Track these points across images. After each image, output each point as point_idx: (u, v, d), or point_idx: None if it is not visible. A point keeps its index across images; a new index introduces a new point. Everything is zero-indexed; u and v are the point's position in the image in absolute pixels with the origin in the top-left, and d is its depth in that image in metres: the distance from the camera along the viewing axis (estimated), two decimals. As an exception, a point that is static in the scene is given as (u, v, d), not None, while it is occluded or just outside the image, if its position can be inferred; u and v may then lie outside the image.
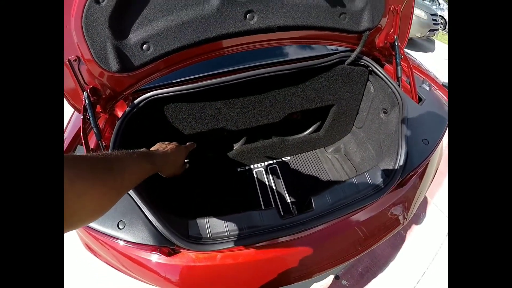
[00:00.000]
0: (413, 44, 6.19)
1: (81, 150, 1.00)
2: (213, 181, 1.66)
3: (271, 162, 1.80)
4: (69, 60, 0.92)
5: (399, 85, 1.24)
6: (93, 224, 0.83)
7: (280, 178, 1.70)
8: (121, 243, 0.84)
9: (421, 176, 1.12)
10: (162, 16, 0.93)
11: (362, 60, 1.35)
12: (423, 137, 1.03)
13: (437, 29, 5.83)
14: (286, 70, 1.24)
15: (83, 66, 0.96)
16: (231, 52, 1.11)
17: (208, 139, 1.46)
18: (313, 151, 1.86)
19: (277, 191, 1.61)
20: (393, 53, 1.24)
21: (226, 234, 0.88)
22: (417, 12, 5.34)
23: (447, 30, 10.36)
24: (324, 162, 1.78)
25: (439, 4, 11.96)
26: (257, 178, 1.72)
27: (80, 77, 0.98)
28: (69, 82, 0.99)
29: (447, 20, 10.28)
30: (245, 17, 0.98)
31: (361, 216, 0.97)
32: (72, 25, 0.87)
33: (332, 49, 1.51)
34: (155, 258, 0.89)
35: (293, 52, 1.53)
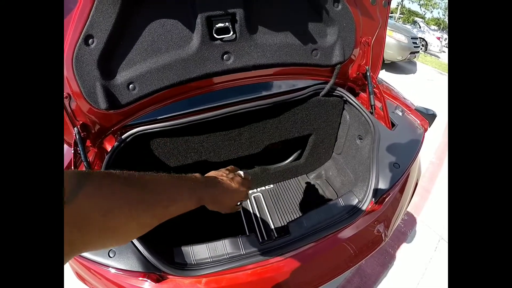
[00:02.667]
0: (395, 67, 6.53)
1: None
2: (198, 210, 1.72)
3: (254, 190, 1.85)
4: None
5: (372, 113, 1.34)
6: (84, 254, 0.88)
7: (263, 206, 1.75)
8: (112, 270, 0.88)
9: (397, 197, 1.19)
10: (146, 58, 1.02)
11: (336, 91, 1.45)
12: (394, 162, 1.11)
13: (418, 52, 6.20)
14: (263, 105, 1.33)
15: (74, 103, 1.03)
16: (211, 90, 1.20)
17: (193, 172, 1.51)
18: (295, 178, 1.92)
19: (260, 218, 1.66)
20: (366, 82, 1.35)
21: (209, 260, 0.94)
22: (397, 36, 5.71)
23: (428, 51, 11.04)
24: (306, 189, 1.85)
25: (420, 27, 12.80)
26: (241, 207, 1.76)
27: (71, 113, 1.05)
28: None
29: (427, 42, 10.97)
30: (222, 58, 1.08)
31: (341, 236, 1.02)
32: (64, 63, 0.94)
33: (308, 83, 1.63)
34: (146, 285, 0.93)
35: (270, 87, 1.64)
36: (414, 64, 7.18)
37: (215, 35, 1.03)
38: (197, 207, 0.55)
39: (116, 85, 1.03)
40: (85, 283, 1.10)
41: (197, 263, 0.94)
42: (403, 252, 2.04)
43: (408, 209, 2.41)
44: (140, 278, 0.91)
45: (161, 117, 1.32)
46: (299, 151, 1.84)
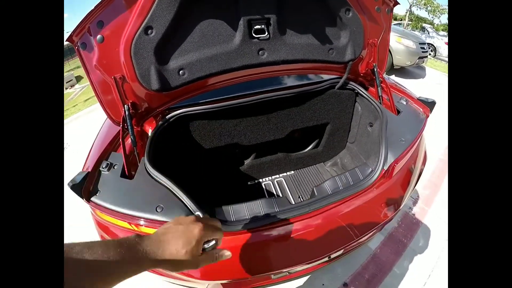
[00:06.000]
0: (405, 72, 6.71)
1: (115, 156, 1.21)
2: (228, 189, 1.97)
3: (277, 176, 2.11)
4: (114, 77, 1.15)
5: (380, 102, 1.60)
6: (130, 211, 0.98)
7: (286, 189, 2.00)
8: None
9: (405, 168, 1.41)
10: (196, 49, 1.24)
11: (349, 85, 1.73)
12: (400, 138, 1.34)
13: (426, 57, 6.40)
14: (288, 94, 1.63)
15: (126, 84, 1.20)
16: (246, 80, 1.47)
17: (224, 154, 1.78)
18: (314, 165, 2.19)
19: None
20: (374, 77, 1.61)
21: (246, 217, 1.12)
22: (406, 42, 5.93)
23: (438, 56, 11.23)
24: (324, 174, 2.10)
25: (428, 33, 13.04)
26: (266, 189, 2.02)
27: (122, 93, 1.21)
28: (111, 96, 1.21)
29: (436, 46, 11.17)
30: (258, 53, 1.34)
31: (360, 198, 1.23)
32: (121, 48, 1.10)
33: (324, 77, 1.91)
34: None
35: (294, 80, 1.94)
36: (423, 69, 7.36)
37: (253, 34, 1.28)
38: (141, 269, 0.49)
39: (168, 69, 1.23)
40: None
41: (236, 220, 1.11)
42: (416, 241, 2.18)
43: (419, 202, 2.56)
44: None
45: (201, 101, 1.54)
46: (316, 141, 2.11)
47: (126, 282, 0.47)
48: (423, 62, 6.35)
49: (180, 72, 1.25)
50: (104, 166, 1.13)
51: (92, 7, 1.01)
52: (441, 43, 11.44)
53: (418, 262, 2.03)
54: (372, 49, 1.58)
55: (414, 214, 2.43)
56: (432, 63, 8.73)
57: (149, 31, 1.11)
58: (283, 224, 1.12)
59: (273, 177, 2.11)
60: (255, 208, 1.16)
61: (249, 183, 2.07)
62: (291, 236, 1.12)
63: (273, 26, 1.30)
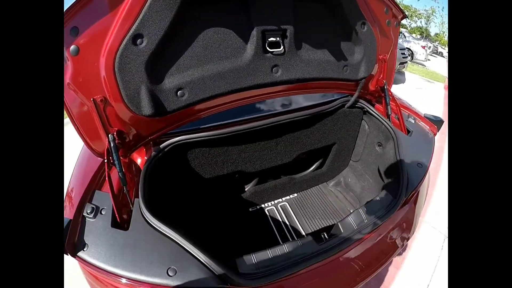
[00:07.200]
0: (386, 77, 6.96)
1: (100, 196, 0.99)
2: (229, 221, 1.77)
3: (280, 200, 1.97)
4: (94, 100, 0.92)
5: (390, 122, 1.55)
6: (134, 275, 0.80)
7: (291, 213, 1.86)
8: None
9: (416, 196, 1.38)
10: (198, 65, 1.03)
11: (358, 103, 1.66)
12: (417, 162, 1.29)
13: (406, 62, 6.66)
14: (300, 116, 1.47)
15: (109, 107, 0.97)
16: (255, 100, 1.31)
17: (224, 182, 1.58)
18: (317, 186, 2.07)
19: (291, 226, 1.76)
20: (383, 95, 1.56)
21: (273, 266, 0.95)
22: (386, 47, 6.12)
23: (414, 60, 11.74)
24: (328, 195, 2.00)
25: (405, 37, 13.55)
26: (270, 216, 1.85)
27: (105, 119, 0.98)
28: (90, 123, 0.98)
29: (413, 51, 11.68)
30: (272, 70, 1.18)
31: (385, 228, 1.18)
32: (102, 63, 0.87)
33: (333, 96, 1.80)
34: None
35: (303, 100, 1.79)
36: (403, 74, 7.65)
37: (267, 48, 1.11)
38: None
39: (163, 90, 1.01)
40: None
41: (262, 270, 0.93)
42: (413, 252, 2.22)
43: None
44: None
45: (202, 126, 1.35)
46: (321, 160, 2.00)
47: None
48: (404, 67, 6.60)
49: (179, 93, 1.04)
50: (89, 212, 0.91)
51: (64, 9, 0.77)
52: (418, 47, 11.93)
53: (417, 273, 2.06)
54: (382, 65, 1.52)
55: (408, 225, 2.48)
56: (410, 67, 9.10)
57: (138, 41, 0.89)
58: (314, 268, 1.00)
59: (276, 201, 1.97)
60: (280, 251, 1.01)
61: (250, 209, 1.89)
62: (326, 277, 1.04)
63: (289, 39, 1.14)
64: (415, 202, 1.34)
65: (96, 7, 0.82)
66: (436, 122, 1.58)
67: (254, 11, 1.04)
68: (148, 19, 0.87)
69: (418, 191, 1.33)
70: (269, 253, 1.00)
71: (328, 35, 1.29)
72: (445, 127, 1.76)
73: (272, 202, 1.94)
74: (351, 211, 1.18)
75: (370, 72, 1.45)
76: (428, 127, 1.58)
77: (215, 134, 1.29)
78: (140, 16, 0.86)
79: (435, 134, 1.54)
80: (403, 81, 7.08)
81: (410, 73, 7.95)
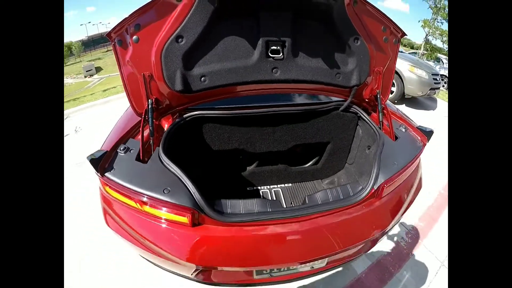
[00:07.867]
0: (416, 103, 6.74)
1: (132, 142, 1.38)
2: (228, 189, 2.13)
3: (275, 186, 2.24)
4: (143, 74, 1.33)
5: (380, 127, 1.70)
6: (138, 189, 1.12)
7: (282, 200, 2.13)
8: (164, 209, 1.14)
9: (396, 191, 1.49)
10: (218, 61, 1.41)
11: (352, 108, 1.87)
12: (393, 162, 1.43)
13: (438, 88, 6.44)
14: (295, 111, 1.80)
15: (153, 81, 1.37)
16: (258, 93, 1.63)
17: (229, 158, 1.95)
18: (312, 181, 2.30)
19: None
20: (377, 103, 1.70)
21: (241, 212, 1.26)
22: (419, 72, 5.99)
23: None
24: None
25: (443, 63, 13.02)
26: (263, 196, 2.16)
27: (148, 89, 1.38)
28: (137, 90, 1.38)
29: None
30: (272, 70, 1.52)
31: (348, 212, 1.32)
32: (154, 51, 1.29)
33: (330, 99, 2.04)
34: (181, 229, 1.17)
35: (301, 98, 2.10)
36: (434, 100, 7.40)
37: (269, 54, 1.46)
38: None
39: (192, 75, 1.40)
40: (119, 231, 1.29)
41: (231, 213, 1.24)
42: (404, 272, 2.18)
43: (412, 233, 2.57)
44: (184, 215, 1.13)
45: (215, 107, 1.73)
46: (317, 158, 2.25)
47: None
48: (435, 93, 6.38)
49: (202, 78, 1.43)
50: (121, 149, 1.29)
51: (133, 11, 1.21)
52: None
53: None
54: (377, 76, 1.68)
55: (405, 245, 2.43)
56: (443, 94, 8.77)
57: (179, 40, 1.28)
58: (273, 224, 1.23)
59: (271, 186, 2.24)
60: (250, 205, 1.30)
61: (248, 188, 2.21)
62: (279, 236, 1.23)
63: (287, 48, 1.47)
64: (390, 199, 1.43)
65: (154, 13, 1.24)
66: (426, 133, 1.63)
67: (262, 26, 1.39)
68: (187, 26, 1.26)
69: (391, 187, 1.44)
70: (241, 203, 1.30)
71: (323, 46, 1.56)
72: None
73: (268, 187, 2.23)
74: (319, 190, 1.42)
75: (362, 81, 1.65)
76: (418, 137, 1.64)
77: (224, 113, 1.67)
78: (183, 24, 1.25)
79: (424, 144, 1.59)
80: (433, 107, 6.85)
81: (442, 100, 7.65)
